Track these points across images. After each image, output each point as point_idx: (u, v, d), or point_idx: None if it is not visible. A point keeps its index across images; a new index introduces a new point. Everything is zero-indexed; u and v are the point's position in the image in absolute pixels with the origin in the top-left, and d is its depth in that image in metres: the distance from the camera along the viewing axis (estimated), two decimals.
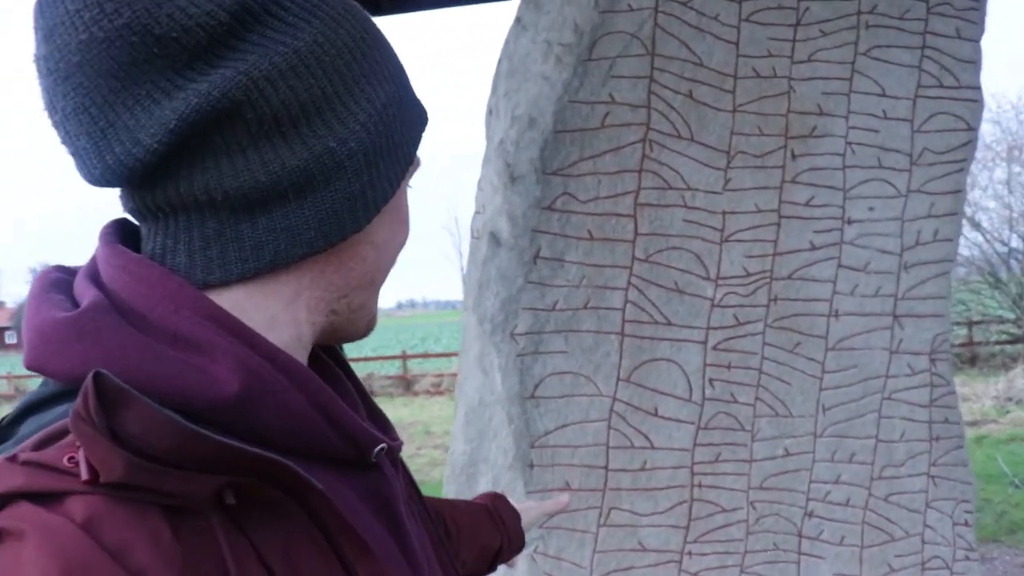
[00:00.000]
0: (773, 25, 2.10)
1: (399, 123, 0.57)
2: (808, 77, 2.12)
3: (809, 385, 2.12)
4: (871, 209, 2.15)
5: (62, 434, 0.46)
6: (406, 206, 0.62)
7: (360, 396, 0.66)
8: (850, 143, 2.14)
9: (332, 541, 0.51)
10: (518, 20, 2.09)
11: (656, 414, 2.06)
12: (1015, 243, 11.65)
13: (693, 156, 2.07)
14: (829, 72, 2.12)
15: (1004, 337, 11.73)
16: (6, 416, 0.52)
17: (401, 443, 0.64)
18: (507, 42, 2.09)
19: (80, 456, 0.44)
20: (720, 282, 2.08)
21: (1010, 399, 8.39)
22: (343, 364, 0.67)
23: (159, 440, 0.43)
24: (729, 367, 2.08)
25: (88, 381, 0.42)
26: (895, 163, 2.16)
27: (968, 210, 11.40)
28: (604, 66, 2.03)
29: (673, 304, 2.06)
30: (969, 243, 11.63)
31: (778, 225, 2.11)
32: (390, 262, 0.62)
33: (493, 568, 1.06)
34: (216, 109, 0.48)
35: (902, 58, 2.15)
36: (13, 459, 0.45)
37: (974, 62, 2.18)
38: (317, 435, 0.53)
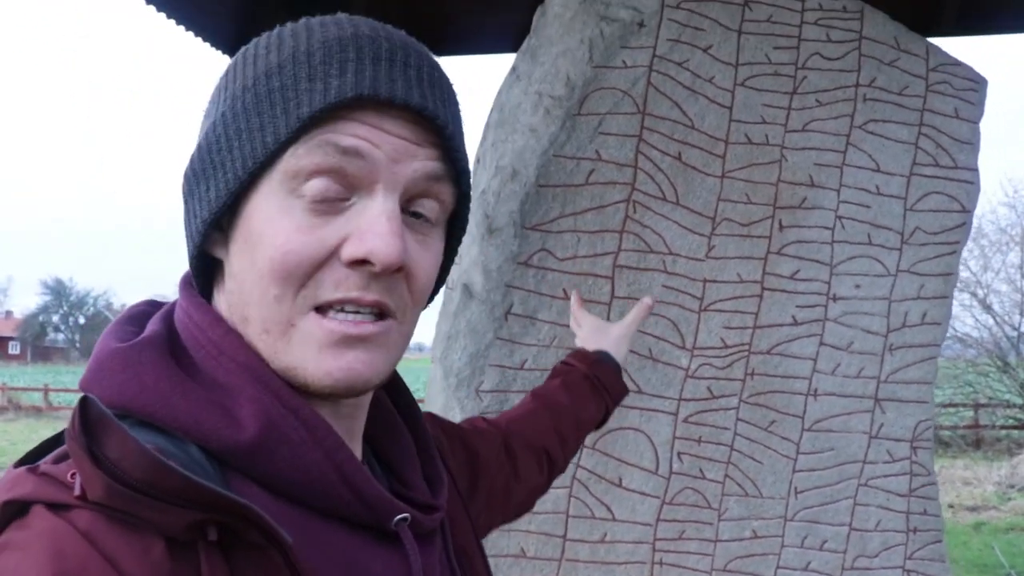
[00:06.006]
0: (769, 92, 2.05)
1: (224, 140, 0.56)
2: (801, 147, 2.06)
3: (782, 466, 2.03)
4: (858, 287, 2.08)
5: None
6: (269, 228, 0.54)
7: (421, 452, 0.66)
8: (840, 217, 2.08)
9: None
10: (513, 69, 2.04)
11: (620, 485, 1.98)
12: None
13: (677, 220, 2.01)
14: (823, 143, 2.07)
15: (1011, 422, 11.61)
16: (53, 436, 0.55)
17: (440, 512, 0.62)
18: (500, 92, 2.04)
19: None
20: (696, 352, 2.01)
21: (1012, 486, 8.16)
22: (414, 417, 0.67)
23: (133, 468, 0.45)
24: (699, 441, 2.00)
25: (76, 403, 0.46)
26: (885, 241, 2.09)
27: (980, 292, 11.42)
28: (593, 122, 1.98)
29: (646, 372, 1.99)
30: (979, 325, 11.65)
31: (760, 297, 2.04)
32: (254, 296, 0.55)
33: (600, 426, 1.13)
34: None
35: (899, 134, 2.09)
36: (33, 470, 0.48)
37: (972, 143, 2.12)
38: (330, 492, 0.54)
